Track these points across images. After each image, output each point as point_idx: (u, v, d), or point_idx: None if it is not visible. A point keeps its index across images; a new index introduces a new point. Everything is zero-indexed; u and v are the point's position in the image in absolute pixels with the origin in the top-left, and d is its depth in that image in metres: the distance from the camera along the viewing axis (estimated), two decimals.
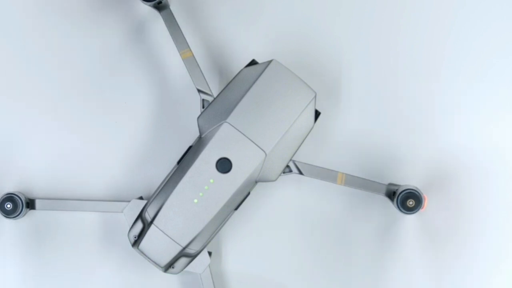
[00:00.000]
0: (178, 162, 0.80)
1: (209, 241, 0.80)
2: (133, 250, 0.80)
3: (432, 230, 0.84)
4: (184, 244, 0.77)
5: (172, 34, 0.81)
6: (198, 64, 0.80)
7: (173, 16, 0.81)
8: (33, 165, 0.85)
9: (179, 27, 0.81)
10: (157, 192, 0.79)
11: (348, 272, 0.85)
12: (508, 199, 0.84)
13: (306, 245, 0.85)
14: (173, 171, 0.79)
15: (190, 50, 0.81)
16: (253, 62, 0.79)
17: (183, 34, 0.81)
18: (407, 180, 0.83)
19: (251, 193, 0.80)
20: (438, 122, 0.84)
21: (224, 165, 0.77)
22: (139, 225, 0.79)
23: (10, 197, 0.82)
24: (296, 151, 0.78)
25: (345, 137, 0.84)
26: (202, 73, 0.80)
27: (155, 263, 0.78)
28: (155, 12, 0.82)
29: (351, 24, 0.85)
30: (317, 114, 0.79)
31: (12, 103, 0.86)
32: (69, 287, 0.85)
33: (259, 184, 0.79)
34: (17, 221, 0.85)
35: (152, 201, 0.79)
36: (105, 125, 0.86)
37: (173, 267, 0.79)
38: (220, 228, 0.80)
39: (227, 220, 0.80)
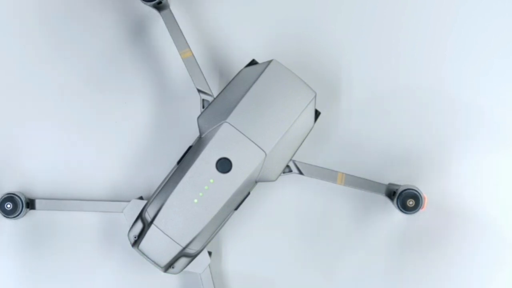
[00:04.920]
0: (178, 162, 0.79)
1: (209, 241, 0.80)
2: (133, 250, 0.80)
3: (432, 230, 0.84)
4: (184, 244, 0.77)
5: (172, 34, 0.81)
6: (198, 64, 0.80)
7: (173, 16, 0.81)
8: (33, 165, 0.85)
9: (179, 27, 0.81)
10: (157, 192, 0.79)
11: (348, 272, 0.85)
12: (508, 200, 0.84)
13: (306, 245, 0.85)
14: (173, 171, 0.79)
15: (190, 50, 0.81)
16: (253, 62, 0.79)
17: (183, 34, 0.81)
18: (407, 180, 0.83)
19: (251, 193, 0.80)
20: (438, 122, 0.84)
21: (224, 165, 0.77)
22: (139, 225, 0.79)
23: (10, 197, 0.82)
24: (296, 151, 0.78)
25: (345, 137, 0.84)
26: (202, 73, 0.80)
27: (155, 263, 0.78)
28: (155, 12, 0.82)
29: (352, 24, 0.85)
30: (317, 114, 0.79)
31: (12, 103, 0.86)
32: (69, 287, 0.85)
33: (259, 184, 0.79)
34: (17, 221, 0.85)
35: (152, 201, 0.79)
36: (105, 125, 0.86)
37: (173, 267, 0.79)
38: (220, 228, 0.80)
39: (227, 220, 0.80)
